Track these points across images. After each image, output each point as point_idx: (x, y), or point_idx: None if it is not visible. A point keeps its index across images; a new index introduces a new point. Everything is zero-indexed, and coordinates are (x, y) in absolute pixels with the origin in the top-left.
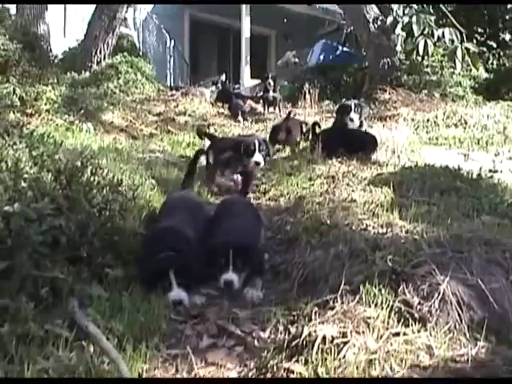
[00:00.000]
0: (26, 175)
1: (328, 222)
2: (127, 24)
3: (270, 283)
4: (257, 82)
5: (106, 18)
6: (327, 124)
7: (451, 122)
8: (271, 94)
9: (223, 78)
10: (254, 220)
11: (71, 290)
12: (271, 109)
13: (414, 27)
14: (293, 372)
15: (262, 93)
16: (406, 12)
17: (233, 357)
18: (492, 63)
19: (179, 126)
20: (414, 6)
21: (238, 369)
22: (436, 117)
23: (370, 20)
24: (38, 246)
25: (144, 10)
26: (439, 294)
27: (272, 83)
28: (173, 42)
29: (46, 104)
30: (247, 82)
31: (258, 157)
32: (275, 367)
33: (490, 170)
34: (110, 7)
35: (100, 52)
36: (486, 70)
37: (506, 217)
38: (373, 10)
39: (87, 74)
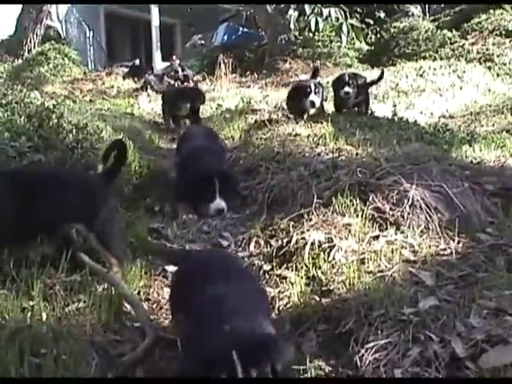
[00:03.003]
0: None
1: (282, 151)
2: (52, 17)
3: (239, 208)
4: (167, 64)
5: (33, 11)
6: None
7: None
8: (180, 73)
9: (137, 61)
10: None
11: None
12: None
13: (306, 7)
14: (285, 278)
15: (172, 73)
16: None
17: None
18: (371, 37)
19: (113, 95)
20: None
21: None
22: None
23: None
24: None
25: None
26: (408, 199)
27: (177, 65)
28: (91, 32)
29: None
30: (159, 64)
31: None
32: (267, 274)
33: (395, 114)
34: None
35: (30, 41)
36: (367, 43)
37: (431, 143)
38: None
39: (20, 61)
